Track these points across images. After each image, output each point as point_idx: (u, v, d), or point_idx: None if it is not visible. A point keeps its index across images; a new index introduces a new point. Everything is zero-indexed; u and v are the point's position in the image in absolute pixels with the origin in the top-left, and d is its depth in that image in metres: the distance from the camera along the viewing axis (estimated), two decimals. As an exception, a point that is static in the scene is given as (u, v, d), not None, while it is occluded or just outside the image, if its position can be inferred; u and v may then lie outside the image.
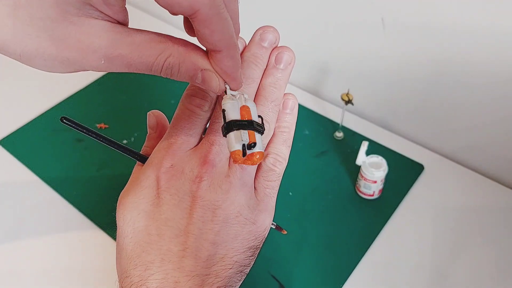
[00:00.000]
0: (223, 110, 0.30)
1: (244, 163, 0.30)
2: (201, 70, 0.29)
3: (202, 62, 0.29)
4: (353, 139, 0.76)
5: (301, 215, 0.66)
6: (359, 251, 0.63)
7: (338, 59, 0.80)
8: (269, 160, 0.34)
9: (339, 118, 0.77)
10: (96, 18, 0.26)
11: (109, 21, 0.27)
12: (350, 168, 0.72)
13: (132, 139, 0.77)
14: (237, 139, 0.29)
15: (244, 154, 0.29)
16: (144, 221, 0.32)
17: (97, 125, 0.78)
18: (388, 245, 0.64)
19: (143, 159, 0.35)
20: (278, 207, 0.68)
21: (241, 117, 0.29)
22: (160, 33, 0.29)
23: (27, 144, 0.76)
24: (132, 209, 0.34)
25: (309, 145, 0.76)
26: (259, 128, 0.30)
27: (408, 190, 0.70)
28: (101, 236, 0.65)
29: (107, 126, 0.79)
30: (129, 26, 0.28)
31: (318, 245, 0.63)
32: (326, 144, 0.76)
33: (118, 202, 0.36)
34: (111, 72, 0.87)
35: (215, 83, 0.29)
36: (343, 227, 0.65)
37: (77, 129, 0.33)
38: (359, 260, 0.62)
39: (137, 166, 0.36)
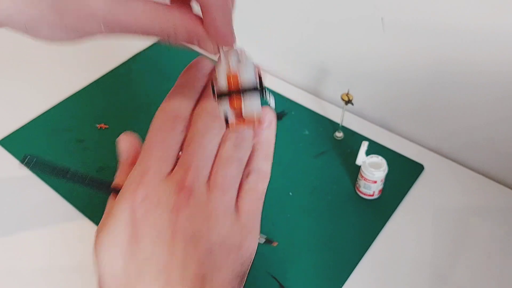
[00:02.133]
0: (214, 81, 0.29)
1: (238, 129, 0.29)
2: (196, 35, 0.29)
3: (195, 28, 0.29)
4: (353, 139, 0.77)
5: (301, 215, 0.66)
6: (359, 251, 0.63)
7: (338, 59, 0.80)
8: (251, 179, 0.32)
9: (339, 118, 0.77)
10: None
11: None
12: (350, 168, 0.72)
13: (132, 139, 0.77)
14: (222, 108, 0.28)
15: (226, 122, 0.28)
16: (122, 262, 0.29)
17: (97, 125, 0.78)
18: (388, 245, 0.64)
19: (115, 191, 0.33)
20: (278, 206, 0.69)
21: (228, 86, 0.28)
22: (156, 1, 0.29)
23: (27, 144, 0.76)
24: (109, 248, 0.31)
25: (309, 145, 0.76)
26: (253, 90, 0.28)
27: (408, 190, 0.70)
28: (101, 236, 0.65)
29: (107, 126, 0.79)
30: None
31: (318, 245, 0.63)
32: (326, 144, 0.76)
33: (94, 238, 0.32)
34: (111, 72, 0.88)
35: (209, 46, 0.30)
36: (343, 227, 0.65)
37: (42, 171, 0.31)
38: (359, 260, 0.62)
39: (111, 198, 0.33)
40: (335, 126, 0.79)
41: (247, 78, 0.28)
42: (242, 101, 0.28)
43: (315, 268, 0.61)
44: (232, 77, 0.28)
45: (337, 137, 0.77)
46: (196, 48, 0.30)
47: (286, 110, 0.81)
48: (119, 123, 0.80)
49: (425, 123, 0.76)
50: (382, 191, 0.68)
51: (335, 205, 0.68)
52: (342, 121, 0.76)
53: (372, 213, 0.67)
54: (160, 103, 0.37)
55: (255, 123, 0.29)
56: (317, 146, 0.76)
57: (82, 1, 0.26)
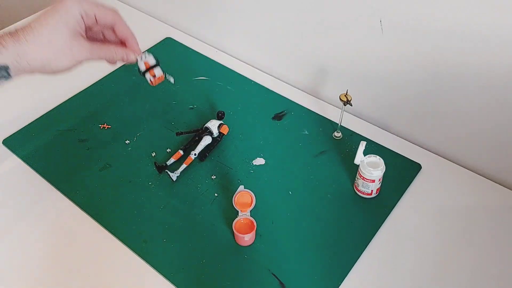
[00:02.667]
0: (139, 67, 0.68)
1: (155, 83, 0.69)
2: (127, 54, 0.65)
3: (128, 52, 0.65)
4: (352, 139, 0.77)
5: (300, 214, 0.67)
6: (357, 249, 0.63)
7: (337, 61, 0.81)
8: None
9: (338, 118, 0.78)
10: (83, 38, 0.62)
11: (89, 40, 0.63)
12: (348, 167, 0.73)
13: (135, 138, 0.77)
14: (147, 76, 0.68)
15: (150, 82, 0.69)
16: None
17: (100, 125, 0.79)
18: (386, 244, 0.64)
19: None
20: (278, 205, 0.70)
21: (145, 66, 0.68)
22: (110, 44, 0.65)
23: (30, 143, 0.77)
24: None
25: (308, 145, 0.77)
26: (156, 65, 0.69)
27: (405, 189, 0.71)
28: (103, 234, 0.65)
29: (109, 126, 0.79)
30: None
31: (317, 243, 0.64)
32: (325, 144, 0.77)
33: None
34: (114, 73, 0.89)
35: (133, 57, 0.66)
36: (342, 225, 0.66)
37: None
38: (358, 258, 0.63)
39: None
40: (334, 126, 0.80)
41: (151, 61, 0.68)
42: (153, 70, 0.68)
43: (314, 266, 0.62)
44: (145, 63, 0.67)
45: (336, 137, 0.78)
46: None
47: (286, 110, 0.82)
48: (122, 123, 0.80)
49: (423, 123, 0.77)
50: (380, 190, 0.69)
51: (334, 204, 0.68)
52: (341, 121, 0.77)
53: (370, 211, 0.68)
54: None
55: (160, 78, 0.69)
56: (316, 146, 0.76)
57: (82, 54, 0.61)
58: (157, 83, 0.69)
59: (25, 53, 0.57)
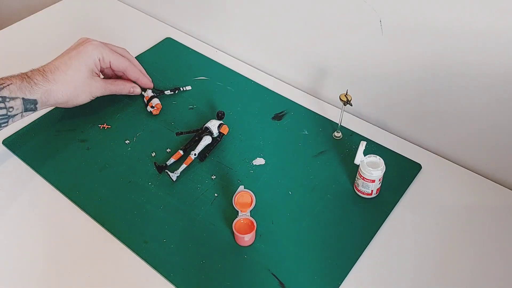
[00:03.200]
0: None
1: (157, 112, 0.82)
2: (133, 88, 0.83)
3: (134, 86, 0.83)
4: (352, 139, 0.77)
5: (300, 214, 0.67)
6: (357, 249, 0.63)
7: (337, 60, 0.81)
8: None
9: (338, 118, 0.78)
10: (99, 77, 0.78)
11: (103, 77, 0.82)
12: (348, 167, 0.73)
13: (135, 139, 0.78)
14: (148, 109, 0.82)
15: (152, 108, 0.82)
16: None
17: (100, 125, 0.79)
18: (386, 244, 0.65)
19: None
20: (278, 205, 0.70)
21: (147, 100, 0.83)
22: (120, 80, 0.82)
23: (30, 144, 0.77)
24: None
25: (308, 145, 0.77)
26: (155, 96, 0.84)
27: (405, 189, 0.71)
28: (103, 234, 0.65)
29: (109, 126, 0.79)
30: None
31: (317, 243, 0.64)
32: (325, 144, 0.77)
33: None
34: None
35: (138, 90, 0.83)
36: (342, 225, 0.66)
37: None
38: (358, 258, 0.63)
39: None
40: (334, 126, 0.80)
41: (151, 95, 0.83)
42: (151, 102, 0.82)
43: (314, 266, 0.62)
44: (146, 97, 0.83)
45: (336, 137, 0.78)
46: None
47: (285, 110, 0.82)
48: (122, 123, 0.80)
49: (423, 123, 0.77)
50: (380, 190, 0.69)
51: (334, 204, 0.69)
52: (341, 121, 0.77)
53: (370, 211, 0.68)
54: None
55: (158, 106, 0.82)
56: (316, 146, 0.77)
57: (98, 90, 0.77)
58: (158, 112, 0.82)
59: (53, 90, 0.70)
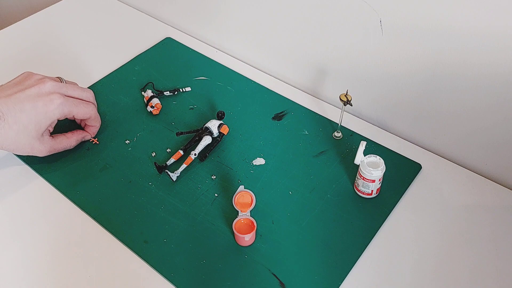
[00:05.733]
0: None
1: (156, 112, 0.82)
2: (84, 137, 0.76)
3: (84, 135, 0.75)
4: (352, 139, 0.77)
5: (300, 214, 0.67)
6: (357, 249, 0.63)
7: (337, 61, 0.81)
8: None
9: (338, 118, 0.78)
10: (48, 135, 0.69)
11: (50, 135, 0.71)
12: (348, 167, 0.73)
13: (135, 139, 0.78)
14: (148, 109, 0.83)
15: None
16: None
17: (91, 140, 0.77)
18: (386, 244, 0.65)
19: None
20: (278, 205, 0.70)
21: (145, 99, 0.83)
22: (66, 134, 0.73)
23: (30, 144, 0.77)
24: None
25: (308, 145, 0.77)
26: (152, 97, 0.83)
27: (406, 189, 0.71)
28: (103, 234, 0.65)
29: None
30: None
31: (317, 243, 0.64)
32: (325, 144, 0.77)
33: None
34: (114, 73, 0.89)
35: (89, 136, 0.76)
36: (342, 225, 0.66)
37: None
38: (358, 258, 0.63)
39: None
40: (334, 126, 0.80)
41: (151, 95, 0.83)
42: (151, 101, 0.82)
43: (314, 266, 0.62)
44: (145, 97, 0.83)
45: (336, 137, 0.78)
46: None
47: (286, 110, 0.82)
48: (122, 123, 0.80)
49: (423, 123, 0.77)
50: (380, 190, 0.69)
51: (334, 204, 0.69)
52: (341, 121, 0.77)
53: (370, 211, 0.68)
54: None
55: (158, 106, 0.82)
56: (316, 146, 0.77)
57: (42, 151, 0.69)
58: (158, 112, 0.81)
59: None
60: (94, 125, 0.75)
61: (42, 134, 0.67)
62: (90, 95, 0.73)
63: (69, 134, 0.73)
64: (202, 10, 0.95)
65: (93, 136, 0.76)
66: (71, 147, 0.73)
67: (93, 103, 0.74)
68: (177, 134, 0.76)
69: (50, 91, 0.66)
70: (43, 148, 0.68)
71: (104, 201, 0.69)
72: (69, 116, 0.69)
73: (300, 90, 0.88)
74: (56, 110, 0.65)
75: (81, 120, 0.74)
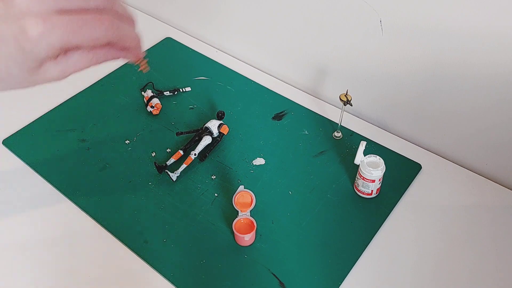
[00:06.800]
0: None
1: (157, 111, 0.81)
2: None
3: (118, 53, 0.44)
4: (352, 139, 0.77)
5: (300, 214, 0.67)
6: (357, 249, 0.63)
7: (337, 61, 0.81)
8: None
9: (338, 118, 0.78)
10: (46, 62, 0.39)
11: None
12: (348, 167, 0.73)
13: (135, 138, 0.77)
14: (148, 109, 0.82)
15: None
16: None
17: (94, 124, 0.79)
18: (386, 243, 0.65)
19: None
20: (278, 205, 0.70)
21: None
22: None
23: (30, 144, 0.77)
24: None
25: (309, 145, 0.77)
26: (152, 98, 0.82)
27: (406, 189, 0.71)
28: (103, 234, 0.65)
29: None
30: None
31: (317, 243, 0.64)
32: (325, 144, 0.77)
33: None
34: (114, 73, 0.89)
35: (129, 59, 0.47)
36: (342, 225, 0.66)
37: None
38: (358, 258, 0.63)
39: None
40: (334, 126, 0.80)
41: (151, 95, 0.83)
42: (151, 101, 0.82)
43: (314, 266, 0.62)
44: (145, 97, 0.82)
45: (336, 137, 0.78)
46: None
47: (286, 110, 0.82)
48: (121, 123, 0.80)
49: (423, 123, 0.77)
50: (380, 190, 0.69)
51: (334, 204, 0.69)
52: (341, 121, 0.77)
53: (370, 211, 0.68)
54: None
55: (158, 106, 0.81)
56: (316, 146, 0.77)
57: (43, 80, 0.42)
58: (158, 112, 0.81)
59: None
60: (129, 46, 0.44)
61: (35, 67, 0.39)
62: None
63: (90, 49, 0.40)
64: (202, 10, 0.95)
65: (135, 60, 0.46)
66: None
67: (111, 11, 0.40)
68: (177, 134, 0.76)
69: (22, 11, 0.35)
70: (44, 79, 0.42)
71: (104, 201, 0.69)
72: (71, 47, 0.38)
73: (300, 90, 0.88)
74: (36, 48, 0.36)
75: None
